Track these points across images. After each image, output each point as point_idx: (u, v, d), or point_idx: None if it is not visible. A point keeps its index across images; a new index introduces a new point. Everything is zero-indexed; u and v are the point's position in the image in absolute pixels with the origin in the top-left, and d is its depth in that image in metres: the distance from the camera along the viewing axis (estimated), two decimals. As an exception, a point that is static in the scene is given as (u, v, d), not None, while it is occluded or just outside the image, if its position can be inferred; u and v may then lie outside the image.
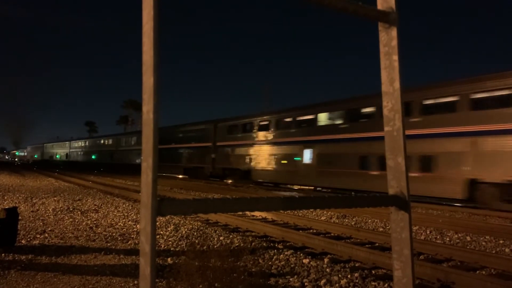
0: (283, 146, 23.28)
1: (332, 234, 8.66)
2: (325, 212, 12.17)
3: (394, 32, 1.09)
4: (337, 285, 5.12)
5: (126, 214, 10.85)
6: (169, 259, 6.08)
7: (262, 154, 24.92)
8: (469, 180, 14.32)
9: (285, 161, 22.90)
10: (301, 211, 11.48)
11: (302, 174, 21.74)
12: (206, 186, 23.65)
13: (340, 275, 5.50)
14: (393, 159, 1.09)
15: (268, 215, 11.13)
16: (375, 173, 17.28)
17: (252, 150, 26.03)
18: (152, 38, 0.78)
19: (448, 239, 8.55)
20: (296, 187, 23.01)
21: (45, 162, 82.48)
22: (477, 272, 5.96)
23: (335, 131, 20.15)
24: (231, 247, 6.83)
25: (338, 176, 19.21)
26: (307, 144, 21.41)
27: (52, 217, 10.01)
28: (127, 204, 13.00)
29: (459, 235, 8.88)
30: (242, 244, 7.34)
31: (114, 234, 7.92)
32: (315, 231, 9.07)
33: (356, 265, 6.21)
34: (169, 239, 7.64)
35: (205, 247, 6.48)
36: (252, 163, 25.79)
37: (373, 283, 5.25)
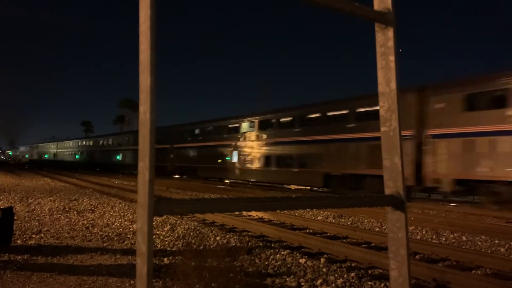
0: (218, 148, 28.92)
1: (328, 234, 8.68)
2: (321, 212, 12.19)
3: (390, 32, 1.09)
4: (333, 285, 5.13)
5: (122, 214, 10.83)
6: (165, 259, 6.07)
7: (204, 155, 30.59)
8: (325, 173, 20.02)
9: (220, 160, 28.61)
10: (297, 211, 11.49)
11: (231, 171, 27.60)
12: (202, 186, 23.64)
13: (336, 275, 5.51)
14: (389, 159, 1.09)
15: (265, 215, 11.14)
16: (274, 169, 23.99)
17: (197, 151, 32.20)
18: (149, 37, 0.78)
19: (444, 239, 8.58)
20: (292, 187, 23.74)
21: (35, 161, 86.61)
22: (473, 271, 5.98)
23: (252, 138, 26.26)
24: (227, 247, 6.83)
25: (253, 172, 25.61)
26: (234, 147, 27.47)
27: (48, 217, 9.97)
28: (123, 204, 12.96)
29: (455, 235, 8.92)
30: (238, 244, 7.34)
31: (110, 234, 7.90)
32: (311, 231, 9.08)
33: (353, 264, 6.23)
34: (166, 239, 7.63)
35: (201, 247, 6.48)
36: (198, 162, 31.62)
37: (369, 283, 5.26)
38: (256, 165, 25.21)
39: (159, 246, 7.04)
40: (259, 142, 25.29)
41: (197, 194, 18.34)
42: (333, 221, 10.80)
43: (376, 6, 1.11)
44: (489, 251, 7.33)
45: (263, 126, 25.41)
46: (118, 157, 48.90)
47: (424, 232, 9.26)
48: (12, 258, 5.86)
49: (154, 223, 0.73)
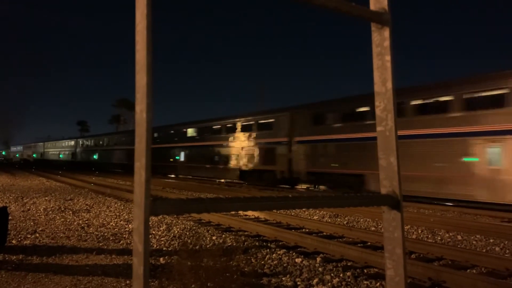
0: (170, 150, 35.62)
1: (324, 234, 8.69)
2: (317, 212, 12.21)
3: (386, 32, 1.09)
4: (329, 284, 5.14)
5: (118, 213, 10.80)
6: (161, 259, 6.06)
7: (161, 155, 36.22)
8: (241, 169, 26.22)
9: (172, 159, 35.47)
10: (294, 210, 11.50)
11: (180, 168, 34.31)
12: (198, 186, 23.62)
13: (332, 274, 5.53)
14: (385, 159, 1.09)
15: (261, 215, 11.14)
16: (208, 166, 30.18)
17: (156, 152, 36.72)
18: (145, 37, 0.78)
19: (439, 238, 8.62)
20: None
21: (24, 160, 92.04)
22: (468, 270, 6.01)
23: (193, 141, 32.83)
24: (223, 246, 6.83)
25: (197, 169, 31.64)
26: (182, 148, 34.31)
27: (43, 217, 9.93)
28: (119, 204, 12.93)
29: (450, 234, 8.96)
30: (235, 244, 7.34)
31: (106, 234, 7.88)
32: (307, 230, 9.10)
33: (349, 264, 6.24)
34: (162, 238, 7.62)
35: (197, 247, 6.47)
36: (158, 161, 36.53)
37: (365, 282, 5.28)
38: (196, 163, 31.71)
39: (155, 246, 7.02)
40: (197, 145, 31.98)
41: (193, 193, 18.32)
42: (329, 220, 10.82)
43: (372, 6, 1.11)
44: (484, 250, 7.37)
45: (201, 132, 32.23)
46: (95, 156, 56.17)
47: (419, 231, 9.30)
48: (7, 258, 5.83)
49: (150, 223, 0.73)
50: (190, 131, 33.99)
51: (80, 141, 64.77)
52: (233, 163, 27.23)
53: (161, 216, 9.64)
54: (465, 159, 14.50)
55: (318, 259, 6.37)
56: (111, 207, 12.05)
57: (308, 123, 21.61)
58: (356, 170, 18.14)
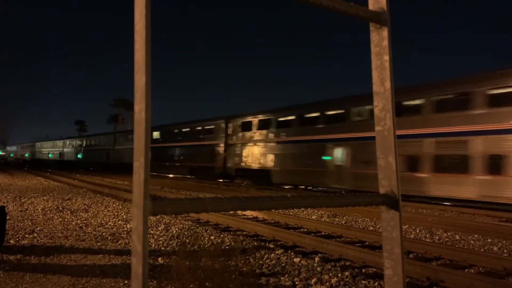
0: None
1: (322, 233, 8.70)
2: (315, 211, 12.22)
3: (385, 32, 1.09)
4: (327, 283, 5.15)
5: (116, 213, 10.79)
6: (159, 258, 6.06)
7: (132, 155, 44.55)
8: (191, 166, 32.51)
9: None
10: (292, 210, 11.51)
11: (153, 166, 38.14)
12: (196, 185, 23.62)
13: (330, 274, 5.53)
14: (383, 159, 1.09)
15: (259, 214, 11.15)
16: (167, 164, 36.28)
17: (130, 152, 44.56)
18: (144, 36, 0.78)
19: (437, 237, 8.64)
20: (287, 187, 24.20)
21: (17, 160, 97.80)
22: (466, 270, 6.03)
23: (158, 142, 38.42)
24: (222, 246, 6.83)
25: (159, 167, 36.34)
26: (152, 149, 39.14)
27: (41, 216, 9.91)
28: (117, 204, 12.92)
29: (448, 233, 8.98)
30: (233, 244, 7.34)
31: (104, 234, 7.87)
32: (306, 230, 9.10)
33: (347, 263, 6.25)
34: (160, 238, 7.62)
35: (196, 247, 6.47)
36: (130, 160, 43.83)
37: (363, 282, 5.28)
38: (158, 161, 36.63)
39: (153, 245, 7.02)
40: (160, 146, 37.29)
41: (191, 193, 18.32)
42: (327, 220, 10.83)
43: (371, 6, 1.11)
44: (482, 250, 7.39)
45: (163, 135, 38.01)
46: (79, 156, 62.61)
47: (418, 231, 9.32)
48: (5, 258, 5.81)
49: (148, 223, 0.73)
50: (156, 134, 40.19)
51: (67, 142, 71.13)
52: (185, 161, 33.90)
53: (159, 215, 9.63)
54: (323, 157, 21.17)
55: (317, 258, 6.37)
56: (109, 207, 12.04)
57: (237, 130, 27.85)
58: (264, 167, 25.09)
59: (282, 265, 5.97)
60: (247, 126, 26.74)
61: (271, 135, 24.86)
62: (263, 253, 6.63)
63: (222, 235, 8.11)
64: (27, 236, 7.46)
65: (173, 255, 5.97)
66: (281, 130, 24.18)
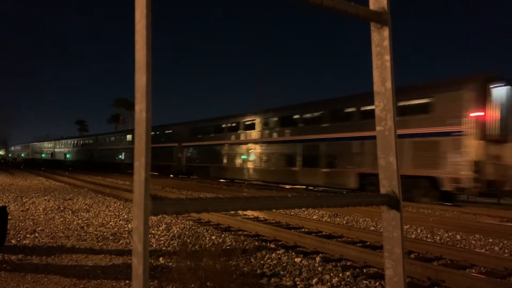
0: (117, 151, 48.66)
1: (323, 233, 8.70)
2: (316, 211, 12.22)
3: (386, 32, 1.09)
4: (328, 283, 5.15)
5: (117, 213, 10.80)
6: (160, 258, 6.06)
7: (111, 155, 50.03)
8: (158, 164, 36.66)
9: (117, 158, 48.45)
10: (293, 210, 11.51)
11: (121, 166, 44.69)
12: (197, 185, 23.64)
13: (331, 274, 5.53)
14: (384, 159, 1.09)
15: (260, 214, 11.15)
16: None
17: (117, 152, 49.55)
18: (144, 36, 0.78)
19: (438, 238, 8.63)
20: (287, 187, 24.33)
21: (14, 160, 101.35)
22: (467, 270, 6.02)
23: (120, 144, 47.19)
24: (223, 246, 6.83)
25: (131, 166, 37.32)
26: (123, 150, 47.24)
27: (42, 216, 9.92)
28: (118, 204, 12.93)
29: (449, 233, 8.97)
30: (234, 244, 7.34)
31: (105, 234, 7.88)
32: (306, 230, 9.10)
33: (348, 263, 6.24)
34: (161, 238, 7.62)
35: (197, 247, 6.48)
36: (121, 160, 48.04)
37: (364, 282, 5.28)
38: (131, 161, 42.32)
39: (154, 245, 7.02)
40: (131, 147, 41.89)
41: (192, 193, 18.32)
42: (328, 220, 10.83)
43: (372, 6, 1.11)
44: (483, 250, 7.38)
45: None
46: (68, 156, 68.82)
47: (419, 231, 9.31)
48: (6, 258, 5.82)
49: (149, 223, 0.73)
50: (129, 137, 45.51)
51: (58, 143, 77.51)
52: (154, 160, 37.24)
53: (160, 215, 9.65)
54: (242, 156, 27.46)
55: (318, 258, 6.37)
56: (110, 207, 12.04)
57: (188, 134, 34.44)
58: (204, 164, 31.59)
59: (283, 265, 5.97)
60: (196, 131, 33.84)
61: (206, 139, 32.06)
62: (264, 253, 6.63)
63: (223, 235, 8.11)
64: (28, 236, 7.47)
65: (174, 255, 5.97)
66: (213, 136, 31.32)
